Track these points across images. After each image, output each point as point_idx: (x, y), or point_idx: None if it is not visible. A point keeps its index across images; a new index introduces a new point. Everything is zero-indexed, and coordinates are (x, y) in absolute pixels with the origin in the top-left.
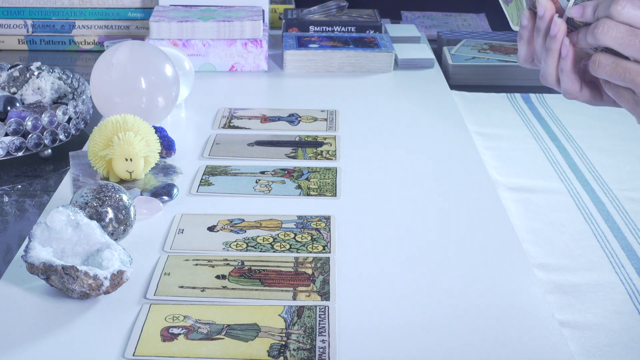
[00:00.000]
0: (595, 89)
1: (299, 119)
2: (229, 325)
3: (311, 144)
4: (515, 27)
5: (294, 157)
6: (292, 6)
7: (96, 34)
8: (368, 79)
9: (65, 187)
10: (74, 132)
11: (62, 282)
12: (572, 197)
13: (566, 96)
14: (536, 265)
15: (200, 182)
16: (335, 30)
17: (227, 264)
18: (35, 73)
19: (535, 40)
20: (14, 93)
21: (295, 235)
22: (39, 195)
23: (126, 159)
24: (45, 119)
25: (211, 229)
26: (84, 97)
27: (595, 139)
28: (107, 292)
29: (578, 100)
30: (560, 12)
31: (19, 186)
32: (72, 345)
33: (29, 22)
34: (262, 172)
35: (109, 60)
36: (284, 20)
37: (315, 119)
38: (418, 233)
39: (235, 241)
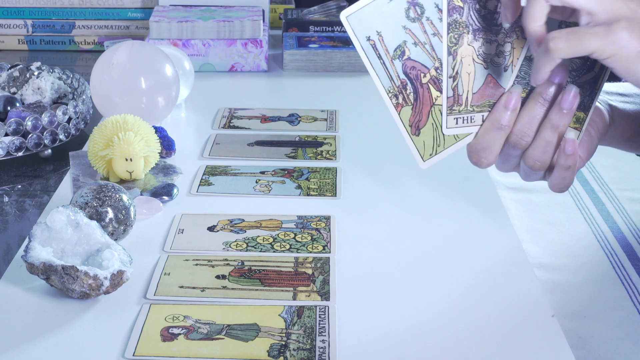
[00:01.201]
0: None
1: (299, 119)
2: (229, 325)
3: (311, 144)
4: (425, 164)
5: (294, 157)
6: (292, 6)
7: (96, 34)
8: (368, 79)
9: (65, 187)
10: (74, 132)
11: (62, 282)
12: (572, 197)
13: (554, 190)
14: (536, 265)
15: (200, 182)
16: (335, 30)
17: (227, 264)
18: (35, 73)
19: (524, 115)
20: (14, 93)
21: (295, 235)
22: (39, 195)
23: (126, 159)
24: (45, 119)
25: (211, 229)
26: (84, 97)
27: None
28: (107, 292)
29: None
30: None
31: (19, 186)
32: (72, 345)
33: (29, 22)
34: (262, 172)
35: (109, 60)
36: (284, 20)
37: (315, 119)
38: (418, 233)
39: (235, 241)
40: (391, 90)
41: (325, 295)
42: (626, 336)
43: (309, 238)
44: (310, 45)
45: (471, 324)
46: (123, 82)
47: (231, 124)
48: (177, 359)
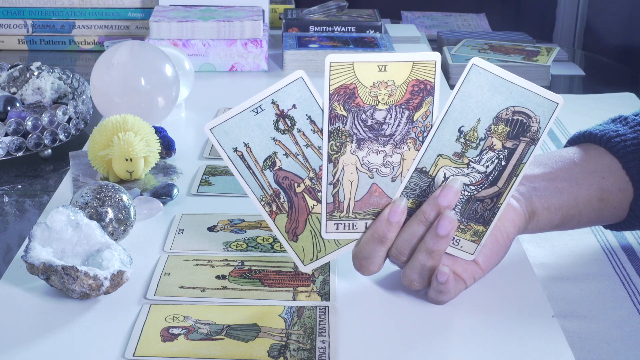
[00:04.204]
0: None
1: None
2: (229, 326)
3: None
4: (306, 268)
5: None
6: (292, 6)
7: (96, 34)
8: None
9: (65, 187)
10: (74, 132)
11: (62, 282)
12: None
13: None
14: (536, 265)
15: (200, 182)
16: (335, 30)
17: (227, 264)
18: (35, 73)
19: (403, 234)
20: (14, 93)
21: None
22: (39, 195)
23: (126, 159)
24: (45, 119)
25: (211, 229)
26: (84, 97)
27: None
28: (107, 293)
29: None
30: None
31: (19, 186)
32: (72, 345)
33: (29, 22)
34: None
35: (109, 60)
36: (284, 20)
37: None
38: None
39: (235, 241)
40: (263, 199)
41: (325, 295)
42: (626, 336)
43: None
44: (310, 45)
45: (471, 323)
46: (123, 82)
47: None
48: (177, 359)
